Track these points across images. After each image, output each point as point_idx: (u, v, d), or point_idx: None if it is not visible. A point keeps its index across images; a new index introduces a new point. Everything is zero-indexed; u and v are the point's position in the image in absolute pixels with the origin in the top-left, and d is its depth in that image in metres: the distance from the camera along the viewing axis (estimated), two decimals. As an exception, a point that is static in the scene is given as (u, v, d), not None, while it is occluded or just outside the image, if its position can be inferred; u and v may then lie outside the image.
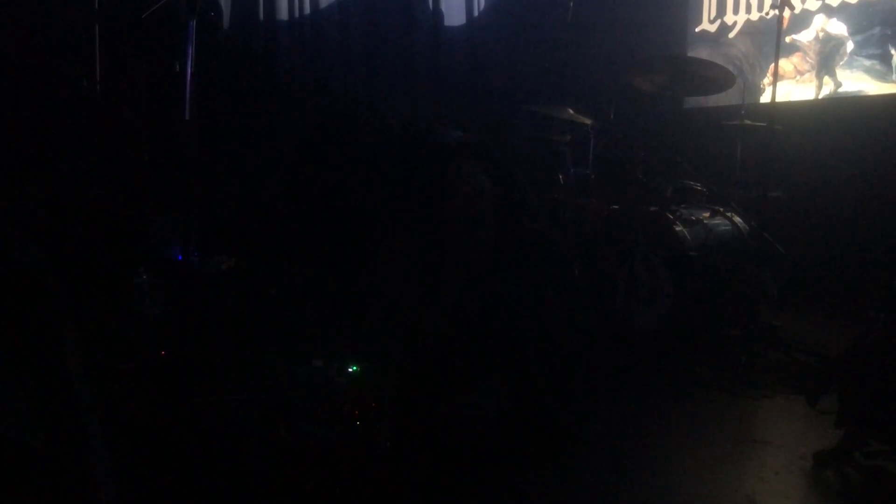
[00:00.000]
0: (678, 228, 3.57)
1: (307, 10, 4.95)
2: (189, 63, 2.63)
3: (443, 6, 5.47)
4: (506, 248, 2.51)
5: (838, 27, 4.49)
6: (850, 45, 4.44)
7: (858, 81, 4.41)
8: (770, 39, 4.64)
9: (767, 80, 4.85)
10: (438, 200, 2.41)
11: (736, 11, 5.06)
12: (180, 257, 2.77)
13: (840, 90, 4.51)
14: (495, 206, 2.48)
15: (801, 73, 4.71)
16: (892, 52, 4.25)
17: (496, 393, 2.49)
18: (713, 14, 5.20)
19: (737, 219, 3.84)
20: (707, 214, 3.79)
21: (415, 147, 2.54)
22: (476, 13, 5.69)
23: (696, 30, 5.31)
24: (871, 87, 4.36)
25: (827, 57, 4.56)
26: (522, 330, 2.46)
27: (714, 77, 3.94)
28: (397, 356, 2.43)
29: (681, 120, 4.88)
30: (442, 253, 2.40)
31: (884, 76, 4.30)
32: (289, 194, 2.88)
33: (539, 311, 2.56)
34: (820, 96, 4.62)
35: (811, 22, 4.61)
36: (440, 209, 2.40)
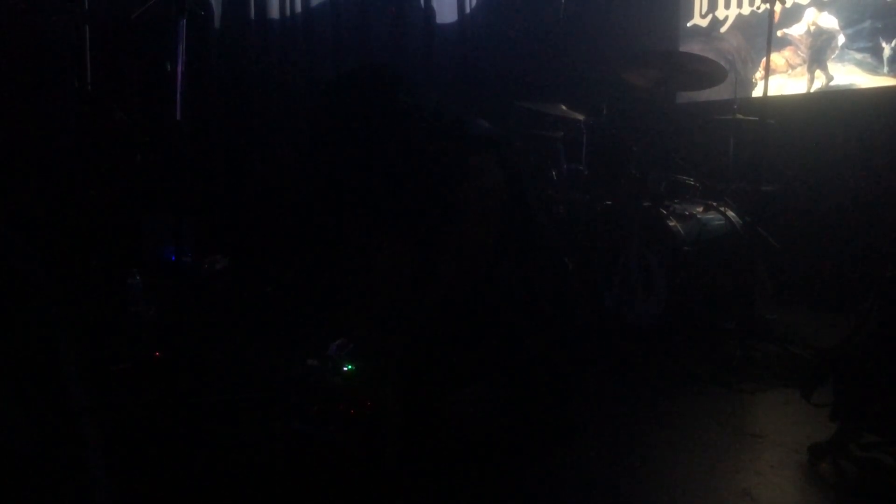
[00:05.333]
0: (672, 223, 3.58)
1: (298, 8, 4.95)
2: (180, 62, 2.62)
3: (434, 3, 5.46)
4: (508, 244, 2.49)
5: (829, 21, 4.50)
6: (841, 39, 4.45)
7: (850, 75, 4.42)
8: (761, 33, 4.62)
9: (759, 74, 4.85)
10: (454, 191, 2.37)
11: (727, 6, 5.07)
12: (174, 258, 2.76)
13: (831, 83, 4.52)
14: (505, 202, 2.45)
15: (792, 67, 4.72)
16: (883, 45, 4.26)
17: (493, 389, 2.49)
18: (704, 8, 5.21)
19: (730, 213, 3.84)
20: (700, 209, 3.79)
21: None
22: (468, 10, 5.68)
23: (688, 24, 5.31)
24: (863, 80, 4.37)
25: (818, 50, 4.57)
26: (520, 326, 2.45)
27: (706, 72, 3.94)
28: (393, 354, 2.42)
29: (673, 115, 4.88)
30: (445, 247, 2.38)
31: (875, 69, 4.31)
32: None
33: (535, 307, 2.55)
34: (812, 90, 4.63)
35: (802, 16, 4.62)
36: (454, 200, 2.37)
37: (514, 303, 2.47)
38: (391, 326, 2.45)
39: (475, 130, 2.51)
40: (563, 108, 4.14)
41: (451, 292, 2.35)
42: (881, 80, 4.28)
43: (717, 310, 3.70)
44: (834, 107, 4.43)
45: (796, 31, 4.66)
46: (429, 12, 5.44)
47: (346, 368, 2.47)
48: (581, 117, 4.11)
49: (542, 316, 2.57)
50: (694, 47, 5.11)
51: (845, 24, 4.42)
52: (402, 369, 2.34)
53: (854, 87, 4.41)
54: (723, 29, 5.10)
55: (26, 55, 3.86)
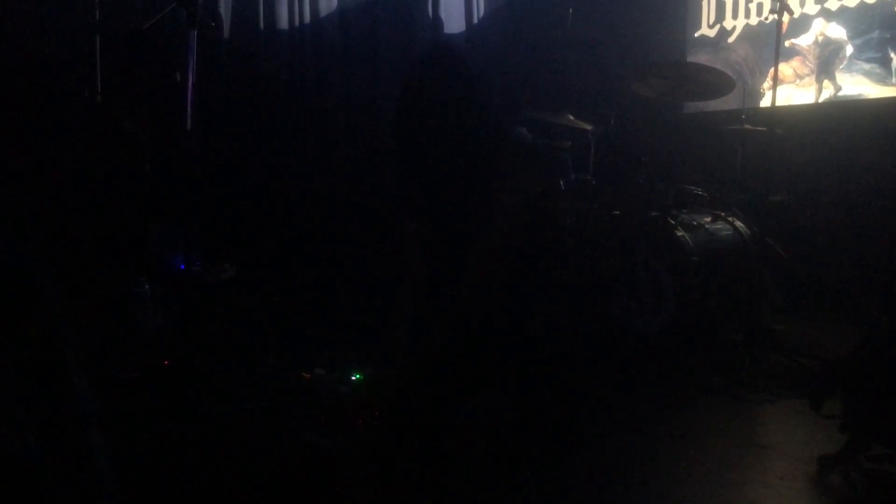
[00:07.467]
0: (679, 233, 3.57)
1: (307, 19, 4.97)
2: (190, 73, 2.64)
3: (442, 14, 5.48)
4: (532, 256, 2.47)
5: (837, 31, 4.49)
6: (849, 49, 4.44)
7: (858, 85, 4.42)
8: (769, 44, 4.64)
9: (767, 84, 4.85)
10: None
11: (735, 16, 5.07)
12: (182, 266, 2.77)
13: (840, 94, 4.51)
14: (532, 212, 2.43)
15: (800, 77, 4.71)
16: (892, 55, 4.25)
17: (502, 400, 2.48)
18: (712, 19, 5.21)
19: (738, 223, 3.84)
20: (708, 219, 3.79)
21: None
22: (475, 20, 5.70)
23: (696, 35, 5.32)
24: (871, 90, 4.36)
25: (826, 61, 4.57)
26: (530, 336, 2.44)
27: (714, 82, 3.94)
28: (402, 363, 2.41)
29: (681, 125, 4.88)
30: (471, 253, 2.36)
31: (883, 79, 4.30)
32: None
33: (545, 317, 2.54)
34: (820, 100, 4.62)
35: (810, 26, 4.62)
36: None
37: (528, 314, 2.45)
38: (411, 332, 2.43)
39: (518, 138, 2.47)
40: (571, 117, 4.14)
41: (471, 301, 2.33)
42: (890, 91, 4.28)
43: (725, 320, 3.69)
44: (842, 117, 4.42)
45: (804, 41, 4.66)
46: (437, 22, 5.47)
47: (353, 378, 2.47)
48: (589, 127, 4.11)
49: (551, 327, 2.56)
50: (702, 58, 5.11)
51: (853, 35, 4.42)
52: (415, 378, 2.33)
53: (862, 98, 4.40)
54: (730, 39, 5.10)
55: (38, 65, 3.89)
